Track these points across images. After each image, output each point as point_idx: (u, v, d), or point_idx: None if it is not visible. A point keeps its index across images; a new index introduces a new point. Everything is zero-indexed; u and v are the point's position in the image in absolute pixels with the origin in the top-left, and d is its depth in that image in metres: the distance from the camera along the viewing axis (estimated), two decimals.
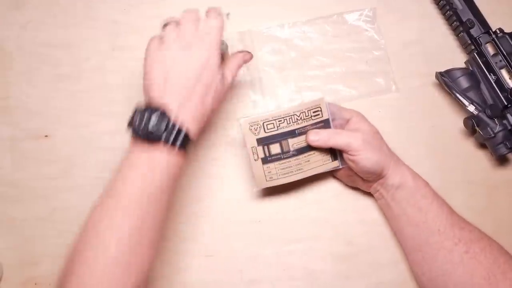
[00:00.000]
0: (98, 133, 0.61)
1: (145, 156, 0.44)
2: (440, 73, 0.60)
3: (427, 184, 0.52)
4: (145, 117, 0.43)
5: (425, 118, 0.62)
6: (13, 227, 0.57)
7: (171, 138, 0.44)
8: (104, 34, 0.64)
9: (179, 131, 0.44)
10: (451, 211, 0.51)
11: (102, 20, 0.65)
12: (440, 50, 0.64)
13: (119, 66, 0.63)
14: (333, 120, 0.53)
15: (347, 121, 0.53)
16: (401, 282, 0.55)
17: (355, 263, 0.56)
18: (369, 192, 0.57)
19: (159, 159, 0.44)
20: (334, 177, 0.59)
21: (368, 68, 0.63)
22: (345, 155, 0.52)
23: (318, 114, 0.53)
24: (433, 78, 0.61)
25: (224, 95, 0.50)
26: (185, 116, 0.45)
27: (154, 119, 0.43)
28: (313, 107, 0.52)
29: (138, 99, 0.61)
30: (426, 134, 0.61)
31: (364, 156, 0.50)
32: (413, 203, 0.51)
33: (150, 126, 0.43)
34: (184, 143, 0.45)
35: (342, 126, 0.54)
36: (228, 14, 0.65)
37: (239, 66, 0.52)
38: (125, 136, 0.60)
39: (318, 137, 0.51)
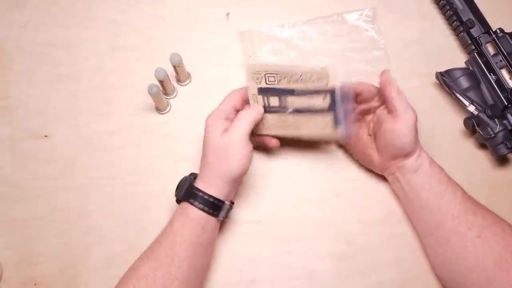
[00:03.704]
0: (98, 133, 0.61)
1: (178, 213, 0.51)
2: (440, 73, 0.60)
3: (442, 169, 0.53)
4: (181, 182, 0.52)
5: (425, 118, 0.61)
6: (13, 227, 0.57)
7: (177, 193, 0.51)
8: (103, 34, 0.64)
9: (180, 186, 0.51)
10: (465, 196, 0.51)
11: (101, 20, 0.65)
12: (440, 50, 0.64)
13: (119, 66, 0.63)
14: (344, 101, 0.52)
15: (385, 101, 0.53)
16: (400, 282, 0.55)
17: (355, 263, 0.56)
18: (368, 192, 0.58)
19: (175, 210, 0.51)
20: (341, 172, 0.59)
21: (368, 68, 0.63)
22: (386, 123, 0.52)
23: (323, 80, 0.51)
24: (433, 78, 0.61)
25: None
26: (207, 187, 0.50)
27: (183, 183, 0.52)
28: (318, 72, 0.51)
29: (138, 99, 0.62)
30: (426, 134, 0.60)
31: (407, 127, 0.51)
32: (428, 188, 0.52)
33: (177, 189, 0.52)
34: (185, 195, 0.50)
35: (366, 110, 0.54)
36: (228, 14, 0.65)
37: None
38: (125, 136, 0.61)
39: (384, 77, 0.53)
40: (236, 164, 0.49)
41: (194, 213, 0.49)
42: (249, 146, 0.50)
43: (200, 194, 0.49)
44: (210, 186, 0.50)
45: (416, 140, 0.52)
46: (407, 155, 0.52)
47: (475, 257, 0.48)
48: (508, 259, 0.47)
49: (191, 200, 0.49)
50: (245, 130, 0.50)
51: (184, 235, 0.48)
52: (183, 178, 0.52)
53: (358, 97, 0.55)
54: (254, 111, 0.52)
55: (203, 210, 0.49)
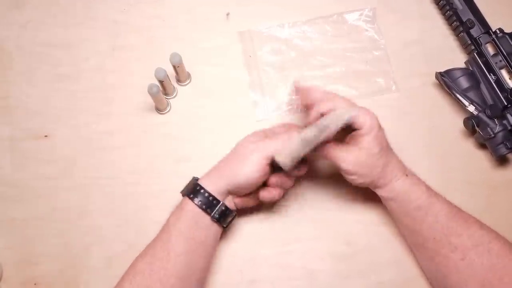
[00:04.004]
0: (98, 133, 0.61)
1: (176, 208, 0.51)
2: (440, 73, 0.60)
3: (421, 194, 0.50)
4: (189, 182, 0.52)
5: (425, 118, 0.62)
6: (13, 227, 0.57)
7: (191, 196, 0.49)
8: (103, 34, 0.64)
9: (197, 192, 0.49)
10: (451, 217, 0.49)
11: (101, 20, 0.65)
12: (440, 50, 0.64)
13: (119, 66, 0.63)
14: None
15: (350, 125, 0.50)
16: (400, 282, 0.55)
17: (355, 263, 0.56)
18: (368, 192, 0.58)
19: (185, 210, 0.50)
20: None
21: (368, 68, 0.63)
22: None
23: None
24: (433, 78, 0.61)
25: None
26: (207, 183, 0.50)
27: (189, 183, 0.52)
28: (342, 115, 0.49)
29: (137, 99, 0.62)
30: (426, 134, 0.61)
31: (349, 177, 0.50)
32: (406, 213, 0.51)
33: (184, 189, 0.51)
34: (186, 189, 0.50)
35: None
36: (228, 14, 0.65)
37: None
38: (125, 136, 0.61)
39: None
40: (245, 171, 0.49)
41: (190, 208, 0.49)
42: (267, 167, 0.49)
43: (198, 188, 0.49)
44: (210, 184, 0.50)
45: (373, 178, 0.50)
46: (369, 187, 0.52)
47: (458, 279, 0.48)
48: (492, 281, 0.46)
49: (190, 195, 0.49)
50: (272, 150, 0.49)
51: (180, 229, 0.48)
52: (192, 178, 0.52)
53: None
54: (290, 140, 0.50)
55: (196, 204, 0.49)
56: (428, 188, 0.51)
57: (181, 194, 0.51)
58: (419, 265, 0.54)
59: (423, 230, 0.50)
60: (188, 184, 0.51)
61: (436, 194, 0.51)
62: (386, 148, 0.51)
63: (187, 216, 0.49)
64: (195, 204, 0.49)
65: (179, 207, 0.50)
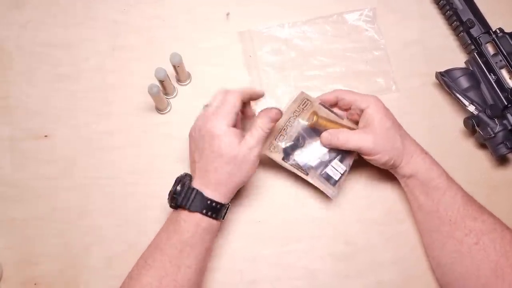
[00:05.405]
0: (98, 133, 0.61)
1: (172, 216, 0.50)
2: (440, 73, 0.60)
3: (441, 174, 0.52)
4: (174, 187, 0.50)
5: (425, 118, 0.62)
6: (13, 227, 0.57)
7: (185, 202, 0.48)
8: (103, 34, 0.64)
9: (187, 195, 0.48)
10: (465, 201, 0.51)
11: (101, 20, 0.65)
12: (440, 50, 0.64)
13: (119, 66, 0.63)
14: (337, 106, 0.56)
15: (362, 110, 0.53)
16: (400, 281, 0.55)
17: (355, 263, 0.56)
18: (368, 192, 0.58)
19: (180, 218, 0.49)
20: None
21: (368, 68, 0.63)
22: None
23: (308, 105, 0.56)
24: (433, 78, 0.61)
25: (245, 161, 0.49)
26: (197, 182, 0.49)
27: (178, 188, 0.49)
28: (298, 99, 0.56)
29: (137, 99, 0.62)
30: (426, 134, 0.61)
31: (375, 157, 0.52)
32: (425, 192, 0.52)
33: (173, 194, 0.50)
34: (196, 205, 0.48)
35: (358, 116, 0.54)
36: (228, 14, 0.65)
37: (264, 131, 0.50)
38: (125, 136, 0.61)
39: (330, 139, 0.54)
40: (250, 174, 0.50)
41: (206, 223, 0.48)
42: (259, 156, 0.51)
43: (214, 204, 0.48)
44: (224, 196, 0.49)
45: (396, 153, 0.52)
46: (392, 167, 0.53)
47: (470, 263, 0.48)
48: (504, 267, 0.46)
49: (204, 211, 0.48)
50: (262, 142, 0.51)
51: (194, 244, 0.48)
52: (182, 185, 0.49)
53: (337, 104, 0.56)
54: (270, 119, 0.51)
55: (214, 218, 0.49)
56: (446, 172, 0.53)
57: (187, 209, 0.48)
58: (428, 257, 0.54)
59: (440, 210, 0.51)
60: (196, 198, 0.48)
61: (453, 179, 0.53)
62: (397, 124, 0.54)
63: (204, 232, 0.48)
64: (213, 218, 0.48)
65: (191, 223, 0.48)
